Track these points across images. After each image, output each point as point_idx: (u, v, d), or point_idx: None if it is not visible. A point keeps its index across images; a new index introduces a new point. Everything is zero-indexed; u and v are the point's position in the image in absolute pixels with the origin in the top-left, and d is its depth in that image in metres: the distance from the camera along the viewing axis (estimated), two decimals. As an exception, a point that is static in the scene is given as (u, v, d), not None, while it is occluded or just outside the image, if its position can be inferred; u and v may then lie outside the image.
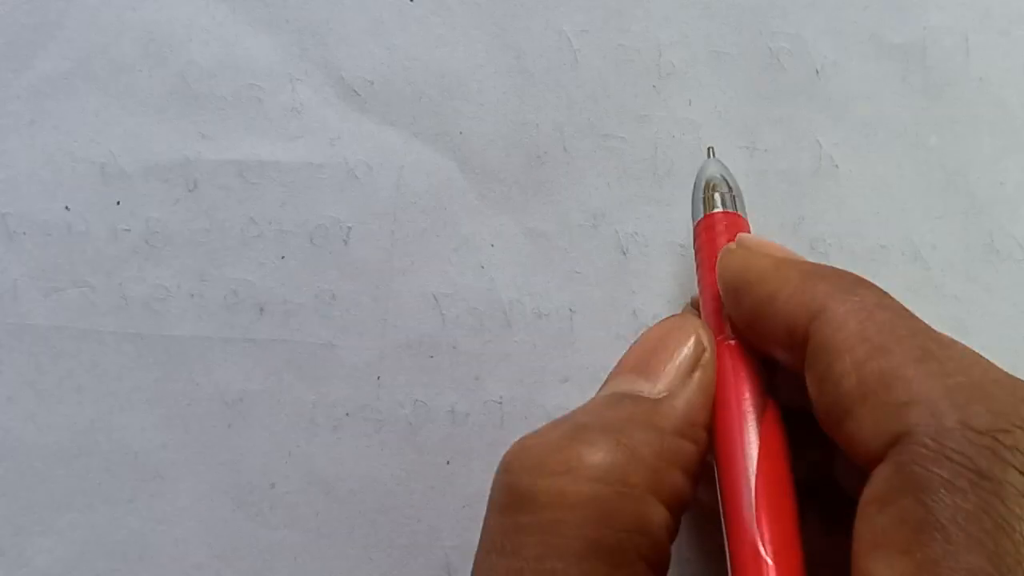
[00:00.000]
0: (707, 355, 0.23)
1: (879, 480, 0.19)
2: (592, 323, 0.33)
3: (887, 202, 0.33)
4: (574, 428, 0.21)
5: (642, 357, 0.24)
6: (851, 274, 0.23)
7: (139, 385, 0.33)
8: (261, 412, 0.33)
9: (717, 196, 0.28)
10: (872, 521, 0.18)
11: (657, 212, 0.33)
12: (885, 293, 0.22)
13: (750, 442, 0.22)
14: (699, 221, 0.28)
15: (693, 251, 0.29)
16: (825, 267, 0.23)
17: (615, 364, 0.24)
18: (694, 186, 0.29)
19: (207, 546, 0.32)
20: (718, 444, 0.23)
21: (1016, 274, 0.33)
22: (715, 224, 0.28)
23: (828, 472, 0.25)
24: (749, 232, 0.28)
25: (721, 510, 0.22)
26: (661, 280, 0.33)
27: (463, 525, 0.32)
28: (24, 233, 0.33)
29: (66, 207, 0.33)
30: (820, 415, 0.21)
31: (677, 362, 0.23)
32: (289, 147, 0.33)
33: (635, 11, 0.33)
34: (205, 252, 0.33)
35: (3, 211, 0.33)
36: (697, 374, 0.23)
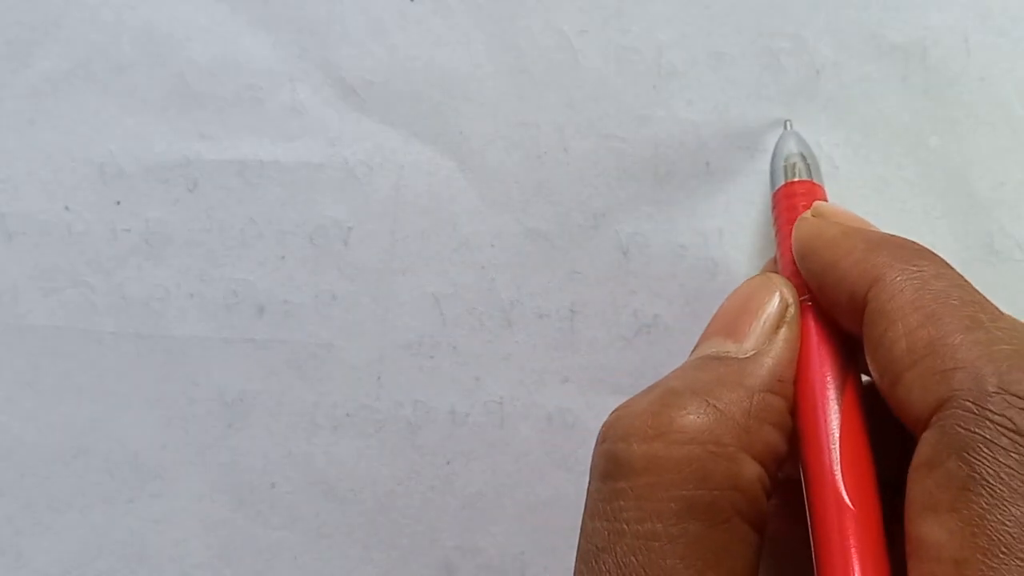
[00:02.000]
0: (791, 311, 0.24)
1: (926, 444, 0.20)
2: (593, 323, 0.33)
3: (887, 202, 0.33)
4: (664, 393, 0.22)
5: (728, 318, 0.25)
6: (915, 244, 0.24)
7: (139, 385, 0.33)
8: (261, 412, 0.33)
9: (795, 165, 0.29)
10: (921, 484, 0.19)
11: (657, 212, 0.33)
12: (945, 263, 0.23)
13: (832, 398, 0.23)
14: (778, 189, 0.29)
15: (772, 219, 0.29)
16: (892, 237, 0.24)
17: (705, 328, 0.25)
18: (772, 156, 0.30)
19: (207, 546, 0.32)
20: (800, 399, 0.23)
21: (1016, 274, 0.33)
22: (793, 192, 0.28)
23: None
24: (826, 200, 0.29)
25: (802, 462, 0.23)
26: (662, 280, 0.33)
27: (463, 525, 0.32)
28: (23, 233, 0.33)
29: (65, 207, 0.33)
30: (875, 379, 0.22)
31: (762, 320, 0.24)
32: (289, 147, 0.33)
33: (635, 11, 0.33)
34: (205, 252, 0.33)
35: (2, 211, 0.33)
36: (783, 331, 0.24)
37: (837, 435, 0.22)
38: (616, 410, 0.23)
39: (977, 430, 0.19)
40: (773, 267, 0.29)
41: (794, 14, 0.33)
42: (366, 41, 0.33)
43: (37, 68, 0.33)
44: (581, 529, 0.22)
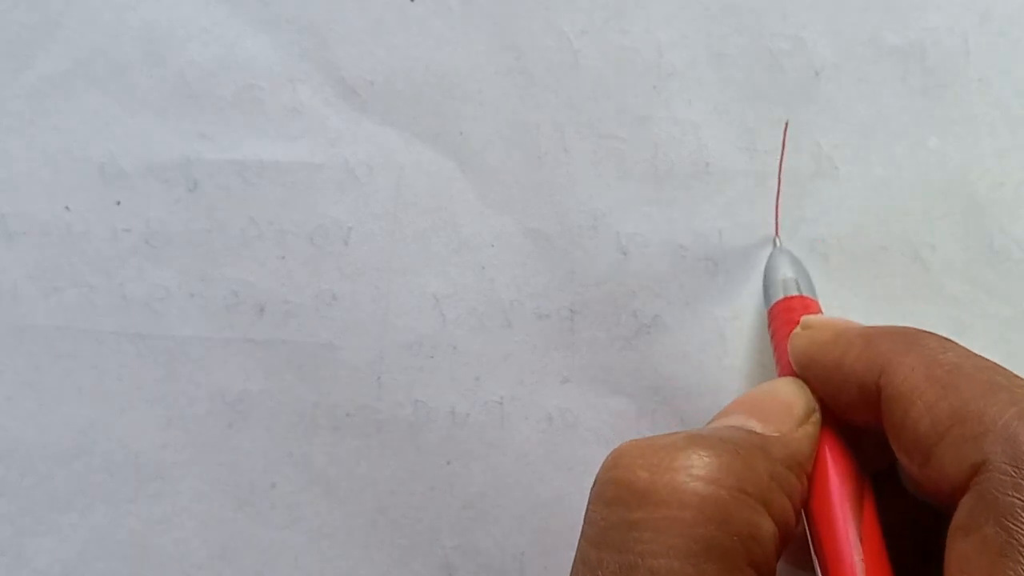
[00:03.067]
0: (816, 415, 0.24)
1: (963, 510, 0.19)
2: (592, 323, 0.33)
3: (887, 203, 0.33)
4: (689, 435, 0.22)
5: (755, 402, 0.25)
6: (911, 328, 0.24)
7: (139, 385, 0.33)
8: (261, 412, 0.33)
9: (787, 282, 0.30)
10: (957, 549, 0.19)
11: (657, 212, 0.33)
12: (946, 339, 0.23)
13: (852, 520, 0.23)
14: (773, 306, 0.30)
15: (769, 335, 0.30)
16: (885, 327, 0.25)
17: (722, 408, 0.25)
18: (765, 273, 0.31)
19: (207, 546, 0.33)
20: (816, 505, 0.24)
21: (1015, 275, 0.33)
22: (789, 307, 0.29)
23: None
24: (819, 312, 0.29)
25: (819, 570, 0.23)
26: (661, 280, 0.33)
27: (463, 525, 0.32)
28: (24, 233, 0.33)
29: (66, 207, 0.33)
30: (904, 464, 0.22)
31: (790, 412, 0.24)
32: (289, 147, 0.33)
33: (636, 12, 0.33)
34: (205, 252, 0.33)
35: (3, 211, 0.33)
36: (807, 427, 0.24)
37: (859, 553, 0.22)
38: (630, 441, 0.22)
39: (1015, 494, 0.18)
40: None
41: (794, 15, 0.33)
42: (366, 41, 0.33)
43: (38, 68, 0.33)
44: (579, 558, 0.21)
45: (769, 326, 0.30)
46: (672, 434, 0.22)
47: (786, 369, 0.27)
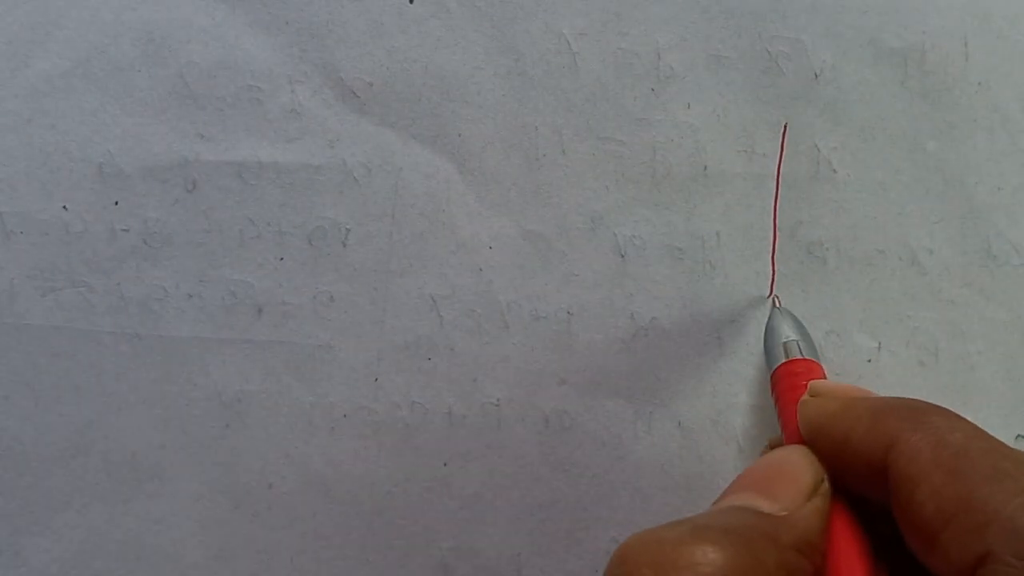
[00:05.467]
0: (824, 485, 0.24)
1: None
2: (590, 325, 0.33)
3: (885, 206, 0.33)
4: (696, 527, 0.22)
5: (761, 477, 0.24)
6: (920, 402, 0.24)
7: (137, 385, 0.33)
8: (259, 413, 0.33)
9: (790, 345, 0.30)
10: None
11: (655, 215, 0.33)
12: (955, 415, 0.23)
13: None
14: (776, 369, 0.30)
15: (772, 399, 0.30)
16: (894, 399, 0.24)
17: (729, 484, 0.25)
18: (766, 335, 0.31)
19: (204, 546, 0.33)
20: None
21: (1013, 279, 0.33)
22: (793, 372, 0.29)
23: None
24: (824, 376, 0.29)
25: None
26: (659, 283, 0.33)
27: (460, 527, 0.32)
28: (21, 232, 0.33)
29: (64, 207, 0.33)
30: (909, 542, 0.22)
31: (798, 486, 0.24)
32: (288, 148, 0.33)
33: (634, 14, 0.33)
34: (203, 253, 0.33)
35: (1, 210, 0.33)
36: (816, 500, 0.24)
37: None
38: (634, 536, 0.22)
39: None
40: (778, 444, 0.29)
41: (793, 18, 0.33)
42: (365, 43, 0.33)
43: (36, 68, 0.33)
44: None
45: (773, 389, 0.30)
46: (679, 524, 0.22)
47: (793, 435, 0.27)
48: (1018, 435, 0.32)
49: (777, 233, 0.32)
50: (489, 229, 0.33)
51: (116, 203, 0.33)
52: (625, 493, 0.32)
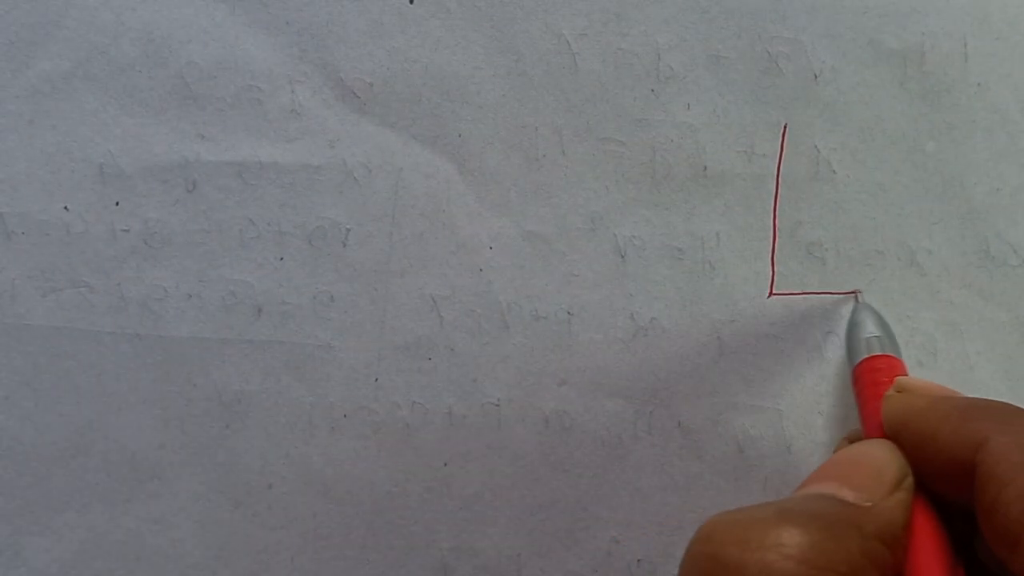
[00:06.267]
0: (908, 479, 0.24)
1: None
2: (590, 326, 0.33)
3: (884, 207, 0.33)
4: (780, 511, 0.22)
5: (845, 468, 0.24)
6: (1008, 404, 0.24)
7: (137, 385, 0.33)
8: (259, 413, 0.33)
9: (872, 341, 0.30)
10: None
11: (655, 215, 0.33)
12: None
13: None
14: (858, 364, 0.30)
15: (854, 393, 0.30)
16: (982, 400, 0.24)
17: (809, 474, 0.25)
18: (848, 330, 0.31)
19: (204, 546, 0.33)
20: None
21: (1012, 280, 0.33)
22: (875, 368, 0.29)
23: None
24: (906, 372, 0.29)
25: None
26: (658, 283, 0.33)
27: (460, 527, 0.32)
28: (22, 233, 0.33)
29: (65, 207, 0.33)
30: (991, 543, 0.22)
31: (882, 478, 0.24)
32: (288, 149, 0.33)
33: (634, 14, 0.33)
34: (204, 253, 0.33)
35: (1, 211, 0.33)
36: (900, 494, 0.23)
37: None
38: (718, 515, 0.22)
39: None
40: (856, 439, 0.29)
41: (792, 18, 0.33)
42: (365, 43, 0.33)
43: (37, 68, 0.33)
44: None
45: (854, 384, 0.30)
46: (763, 506, 0.22)
47: (875, 430, 0.27)
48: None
49: (777, 233, 0.33)
50: (489, 229, 0.33)
51: (117, 203, 0.33)
52: (625, 493, 0.33)
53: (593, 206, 0.33)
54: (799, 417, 0.33)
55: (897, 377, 0.28)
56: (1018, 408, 0.24)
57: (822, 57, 0.33)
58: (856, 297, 0.32)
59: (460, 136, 0.33)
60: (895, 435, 0.25)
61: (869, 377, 0.29)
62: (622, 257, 0.33)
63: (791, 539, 0.20)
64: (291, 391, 0.33)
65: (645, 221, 0.33)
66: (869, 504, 0.23)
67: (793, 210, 0.33)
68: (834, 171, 0.33)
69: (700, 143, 0.33)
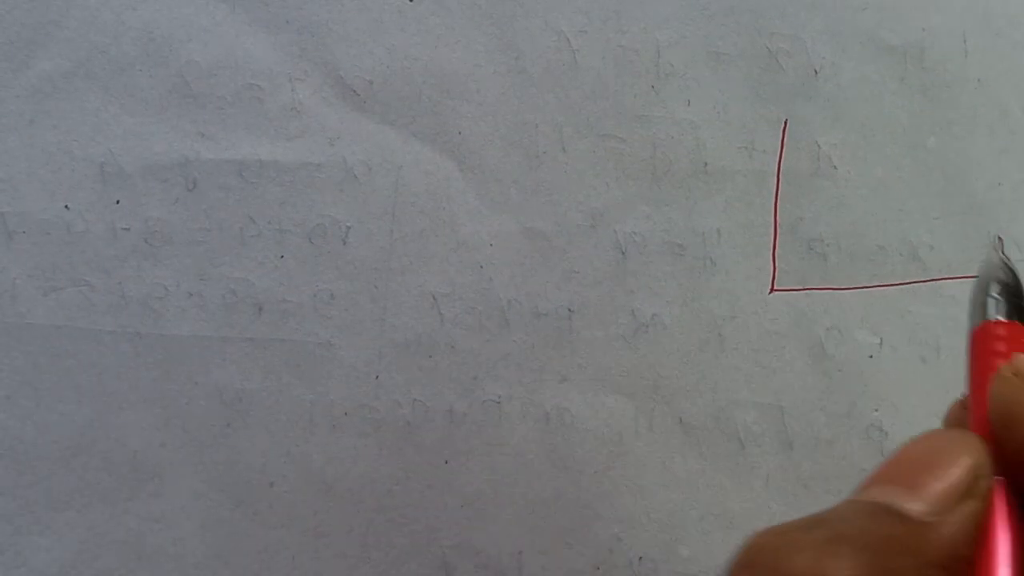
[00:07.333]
0: (983, 484, 0.21)
1: None
2: (590, 323, 0.33)
3: (885, 203, 0.33)
4: (828, 536, 0.20)
5: (908, 468, 0.21)
6: None
7: (138, 384, 0.33)
8: (259, 411, 0.33)
9: (994, 303, 0.24)
10: None
11: (655, 212, 0.33)
12: None
13: None
14: (975, 329, 0.24)
15: (967, 360, 0.24)
16: None
17: (877, 468, 0.22)
18: (976, 283, 0.25)
19: (205, 545, 0.33)
20: None
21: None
22: (995, 336, 0.24)
23: None
24: None
25: None
26: (659, 280, 0.33)
27: (461, 525, 0.32)
28: (23, 232, 0.33)
29: (65, 206, 0.33)
30: None
31: (948, 483, 0.21)
32: (288, 147, 0.33)
33: (634, 12, 0.33)
34: (204, 251, 0.33)
35: (2, 210, 0.33)
36: (970, 503, 0.20)
37: None
38: (762, 535, 0.20)
39: None
40: (960, 412, 0.25)
41: (792, 15, 0.33)
42: (365, 41, 0.33)
43: (38, 68, 0.33)
44: None
45: (969, 351, 0.24)
46: (815, 526, 0.20)
47: (980, 412, 0.23)
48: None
49: (778, 229, 0.32)
50: (489, 227, 0.33)
51: (117, 202, 0.33)
52: (626, 490, 0.32)
53: (593, 203, 0.33)
54: (801, 414, 0.32)
55: (1017, 354, 0.23)
56: None
57: (822, 53, 0.33)
58: (995, 246, 0.25)
59: (460, 133, 0.33)
60: (1002, 423, 0.22)
61: (983, 347, 0.23)
62: (623, 254, 0.33)
63: (839, 572, 0.19)
64: (292, 389, 0.33)
65: (646, 217, 0.33)
66: (931, 520, 0.20)
67: (794, 206, 0.33)
68: (835, 167, 0.33)
69: (700, 139, 0.33)
